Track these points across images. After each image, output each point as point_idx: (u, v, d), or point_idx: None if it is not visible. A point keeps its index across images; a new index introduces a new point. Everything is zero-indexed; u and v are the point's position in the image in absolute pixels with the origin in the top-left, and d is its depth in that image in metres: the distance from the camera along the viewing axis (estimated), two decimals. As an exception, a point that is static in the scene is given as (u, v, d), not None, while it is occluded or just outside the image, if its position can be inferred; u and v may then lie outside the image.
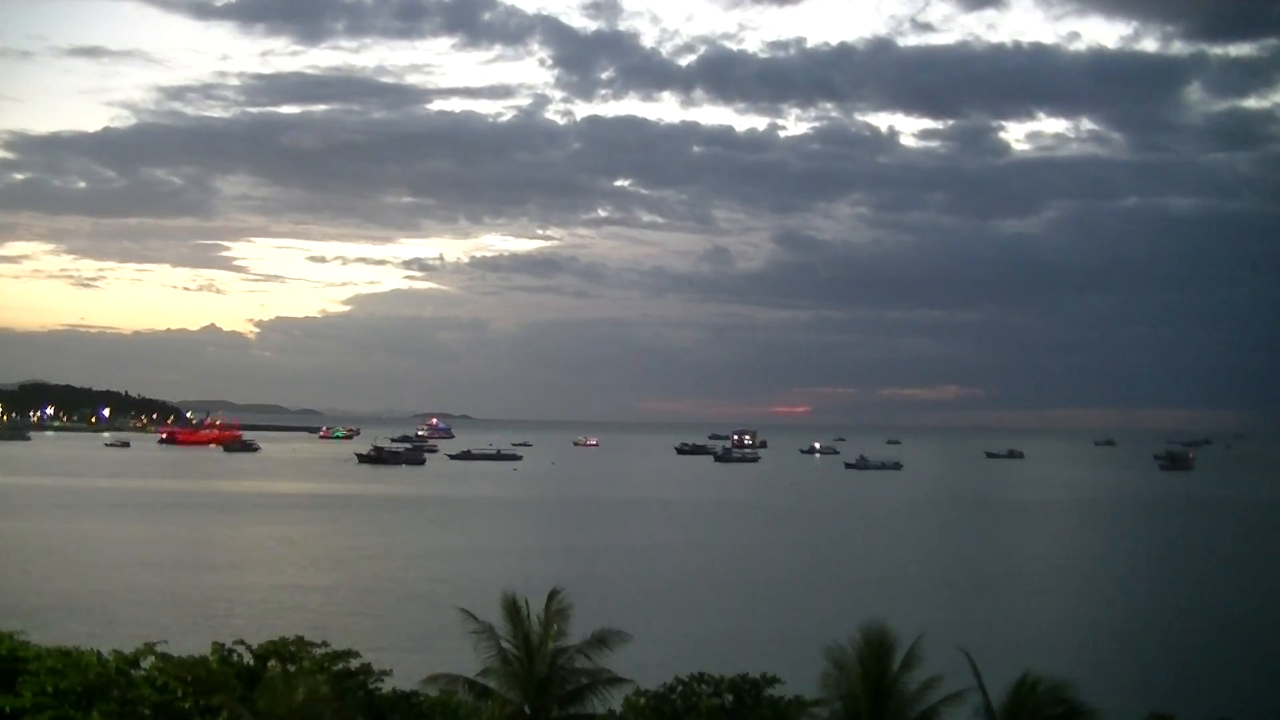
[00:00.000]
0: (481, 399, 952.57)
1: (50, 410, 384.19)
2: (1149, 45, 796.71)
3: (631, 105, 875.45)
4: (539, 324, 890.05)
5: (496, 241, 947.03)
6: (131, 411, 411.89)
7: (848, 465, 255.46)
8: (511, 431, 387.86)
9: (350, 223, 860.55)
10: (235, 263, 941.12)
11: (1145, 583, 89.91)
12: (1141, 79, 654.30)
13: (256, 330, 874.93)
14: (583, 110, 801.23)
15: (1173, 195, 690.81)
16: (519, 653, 25.67)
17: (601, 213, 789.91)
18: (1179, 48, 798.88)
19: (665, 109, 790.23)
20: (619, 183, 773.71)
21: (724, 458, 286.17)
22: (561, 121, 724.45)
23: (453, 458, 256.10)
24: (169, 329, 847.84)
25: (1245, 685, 54.20)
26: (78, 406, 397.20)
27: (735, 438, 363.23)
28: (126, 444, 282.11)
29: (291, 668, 25.92)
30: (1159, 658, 61.84)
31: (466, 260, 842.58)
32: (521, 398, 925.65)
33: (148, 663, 26.53)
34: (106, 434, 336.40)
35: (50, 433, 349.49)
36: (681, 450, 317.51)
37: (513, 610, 25.98)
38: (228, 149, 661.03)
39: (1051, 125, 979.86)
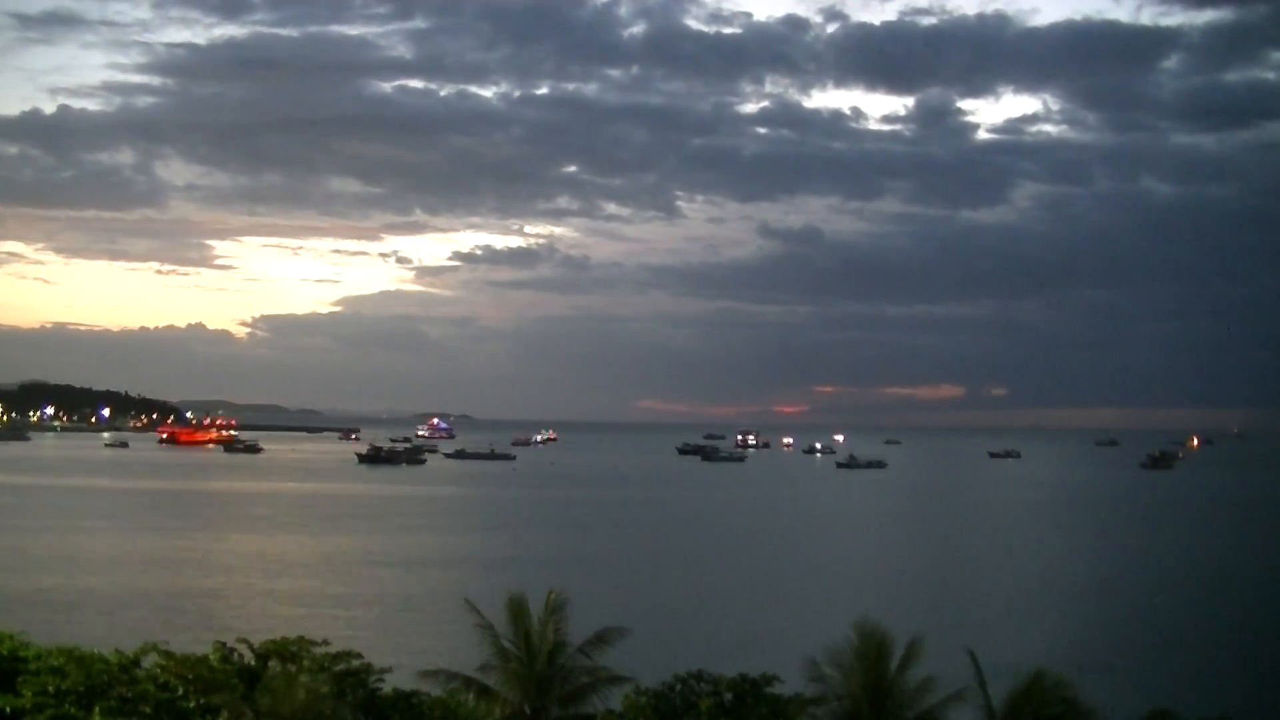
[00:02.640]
0: (481, 398, 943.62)
1: (50, 410, 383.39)
2: (1121, 14, 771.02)
3: (572, 83, 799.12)
4: (531, 320, 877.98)
5: (470, 236, 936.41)
6: (131, 411, 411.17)
7: (839, 465, 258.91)
8: (513, 432, 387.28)
9: (306, 214, 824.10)
10: (215, 261, 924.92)
11: (1139, 581, 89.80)
12: (1115, 51, 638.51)
13: (245, 329, 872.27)
14: (521, 89, 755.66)
15: (1151, 178, 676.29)
16: (519, 651, 25.72)
17: (560, 202, 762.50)
18: (1150, 16, 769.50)
19: (608, 88, 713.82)
20: (568, 169, 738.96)
21: (710, 457, 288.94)
22: (498, 102, 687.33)
23: (448, 456, 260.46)
24: (156, 326, 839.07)
25: (1245, 684, 54.25)
26: (78, 406, 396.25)
27: (739, 437, 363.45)
28: (125, 444, 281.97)
29: (293, 667, 25.96)
30: (1158, 656, 61.79)
31: (445, 255, 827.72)
32: (520, 396, 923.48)
33: (149, 661, 26.60)
34: (106, 434, 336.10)
35: (50, 433, 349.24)
36: (684, 450, 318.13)
37: (515, 608, 26.03)
38: (158, 132, 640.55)
39: (1018, 103, 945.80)
